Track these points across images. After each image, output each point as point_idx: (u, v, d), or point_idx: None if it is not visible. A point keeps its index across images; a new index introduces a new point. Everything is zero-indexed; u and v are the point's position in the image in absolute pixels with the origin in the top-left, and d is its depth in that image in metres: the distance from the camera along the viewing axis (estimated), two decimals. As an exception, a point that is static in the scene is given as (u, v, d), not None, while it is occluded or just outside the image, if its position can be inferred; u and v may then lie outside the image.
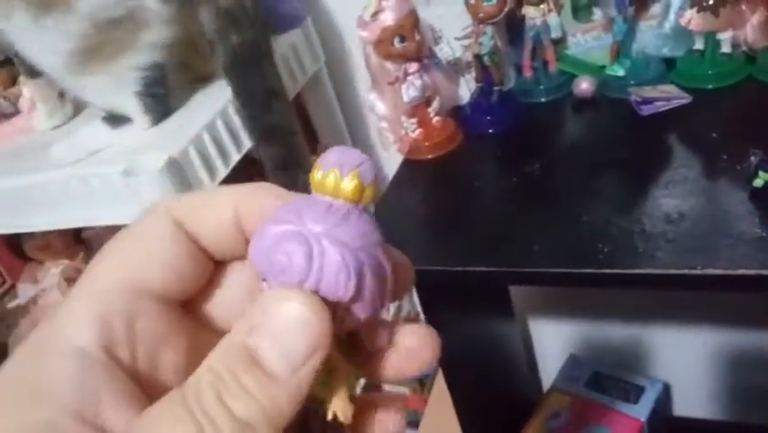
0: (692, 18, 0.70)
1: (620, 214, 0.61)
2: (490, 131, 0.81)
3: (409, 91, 0.77)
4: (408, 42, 0.74)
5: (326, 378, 0.20)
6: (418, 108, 0.80)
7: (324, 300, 0.19)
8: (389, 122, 0.81)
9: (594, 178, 0.68)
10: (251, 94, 0.70)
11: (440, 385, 1.01)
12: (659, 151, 0.69)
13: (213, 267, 0.24)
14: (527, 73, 0.83)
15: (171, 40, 0.71)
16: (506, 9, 0.75)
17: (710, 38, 0.72)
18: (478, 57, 0.79)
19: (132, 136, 0.74)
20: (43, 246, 1.06)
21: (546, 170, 0.71)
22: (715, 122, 0.69)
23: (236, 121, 0.74)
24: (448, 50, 0.81)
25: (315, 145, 1.00)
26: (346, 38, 0.98)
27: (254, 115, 0.70)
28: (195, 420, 0.18)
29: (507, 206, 0.70)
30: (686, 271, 0.53)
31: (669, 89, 0.74)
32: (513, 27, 0.82)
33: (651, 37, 0.76)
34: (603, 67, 0.80)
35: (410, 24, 0.74)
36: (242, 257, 0.24)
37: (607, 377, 1.13)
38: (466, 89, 0.86)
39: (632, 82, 0.77)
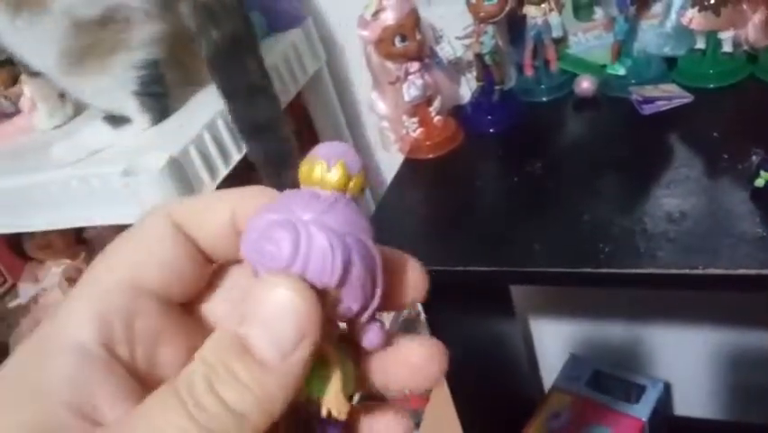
0: (694, 17, 0.70)
1: (621, 213, 0.61)
2: (491, 130, 0.81)
3: (410, 90, 0.77)
4: (409, 42, 0.74)
5: (322, 372, 0.20)
6: (419, 108, 0.79)
7: (313, 287, 0.19)
8: (390, 121, 0.81)
9: (595, 177, 0.68)
10: (234, 89, 0.69)
11: (440, 385, 1.01)
12: (660, 150, 0.68)
13: (212, 269, 0.24)
14: (528, 72, 0.83)
15: (161, 35, 0.71)
16: (507, 8, 0.75)
17: (712, 37, 0.72)
18: (479, 56, 0.79)
19: (133, 136, 0.74)
20: (44, 246, 1.06)
21: (547, 169, 0.71)
22: (716, 121, 0.69)
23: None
24: (449, 49, 0.81)
25: (315, 143, 1.00)
26: (347, 37, 0.98)
27: (238, 110, 0.69)
28: (187, 410, 0.18)
29: (508, 205, 0.70)
30: (687, 271, 0.53)
31: (670, 89, 0.74)
32: (514, 26, 0.82)
33: (652, 36, 0.76)
34: (604, 66, 0.80)
35: (411, 24, 0.74)
36: (240, 259, 0.24)
37: (607, 377, 1.12)
38: (467, 89, 0.86)
39: (633, 81, 0.77)
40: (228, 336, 0.19)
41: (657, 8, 0.76)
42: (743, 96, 0.72)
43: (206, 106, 0.74)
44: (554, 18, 0.78)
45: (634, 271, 0.55)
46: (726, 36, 0.71)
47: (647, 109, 0.73)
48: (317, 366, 0.20)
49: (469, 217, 0.69)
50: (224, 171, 0.73)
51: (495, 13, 0.74)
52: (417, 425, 1.12)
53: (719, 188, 0.61)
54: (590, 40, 0.81)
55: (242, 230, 0.23)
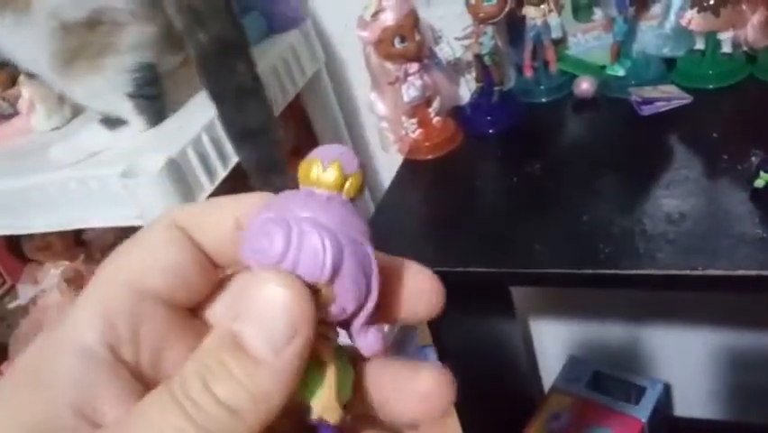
0: (693, 18, 0.70)
1: (621, 214, 0.61)
2: (491, 131, 0.81)
3: (409, 91, 0.77)
4: (409, 43, 0.74)
5: (317, 376, 0.20)
6: (418, 108, 0.79)
7: (305, 284, 0.19)
8: (390, 122, 0.81)
9: (595, 178, 0.68)
10: (222, 92, 0.68)
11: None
12: (659, 151, 0.68)
13: (219, 274, 0.24)
14: (528, 73, 0.83)
15: (151, 38, 0.71)
16: (506, 9, 0.75)
17: (711, 38, 0.72)
18: (478, 57, 0.79)
19: (131, 138, 0.74)
20: (43, 247, 1.06)
21: (547, 170, 0.71)
22: (715, 122, 0.69)
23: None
24: (448, 50, 0.81)
25: (314, 145, 1.00)
26: (346, 38, 0.98)
27: (226, 114, 0.69)
28: (183, 410, 0.18)
29: (507, 206, 0.70)
30: (687, 272, 0.53)
31: (669, 89, 0.74)
32: (513, 27, 0.82)
33: (651, 37, 0.76)
34: (603, 67, 0.80)
35: (410, 24, 0.74)
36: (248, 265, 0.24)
37: (607, 377, 1.12)
38: (466, 89, 0.86)
39: (632, 82, 0.77)
40: (222, 333, 0.19)
41: (656, 9, 0.76)
42: (742, 96, 0.72)
43: (205, 108, 0.74)
44: (554, 19, 0.78)
45: (633, 271, 0.55)
46: (726, 37, 0.71)
47: (646, 110, 0.73)
48: (313, 369, 0.20)
49: (468, 218, 0.69)
50: (222, 173, 0.72)
51: (494, 14, 0.74)
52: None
53: (719, 189, 0.61)
54: (590, 41, 0.81)
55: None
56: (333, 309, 0.20)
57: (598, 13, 0.79)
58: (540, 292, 1.17)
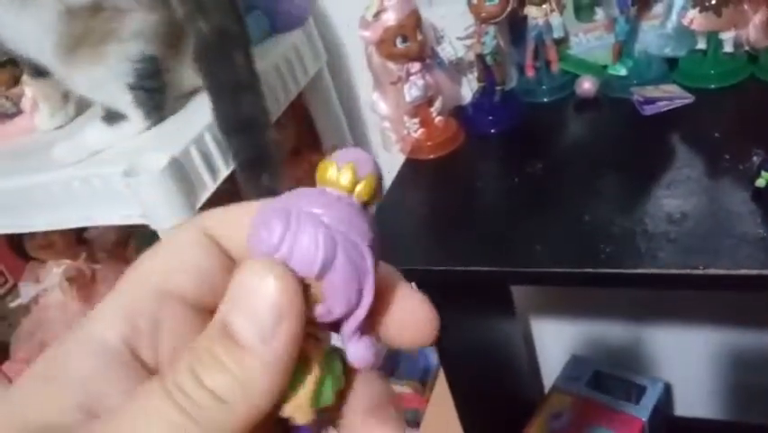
0: (695, 18, 0.70)
1: (622, 214, 0.61)
2: (492, 131, 0.81)
3: (411, 91, 0.77)
4: (410, 42, 0.74)
5: (300, 375, 0.20)
6: (420, 108, 0.80)
7: (297, 277, 0.19)
8: (392, 122, 0.81)
9: (596, 177, 0.68)
10: (219, 84, 0.68)
11: (441, 385, 1.01)
12: (661, 150, 0.68)
13: None
14: (530, 73, 0.83)
15: (154, 27, 0.70)
16: (508, 9, 0.75)
17: (713, 38, 0.72)
18: (480, 57, 0.79)
19: (133, 135, 0.74)
20: (45, 246, 1.06)
21: (548, 169, 0.71)
22: (717, 122, 0.69)
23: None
24: (450, 49, 0.81)
25: (317, 144, 1.00)
26: (348, 38, 0.98)
27: (221, 106, 0.68)
28: (171, 398, 0.18)
29: (508, 205, 0.70)
30: (688, 271, 0.53)
31: (671, 89, 0.74)
32: (515, 27, 0.82)
33: (653, 37, 0.76)
34: (605, 67, 0.80)
35: (412, 24, 0.74)
36: None
37: (608, 377, 1.13)
38: (468, 89, 0.86)
39: (634, 82, 0.77)
40: (215, 323, 0.19)
41: (658, 9, 0.76)
42: (744, 96, 0.72)
43: (207, 107, 0.74)
44: (555, 19, 0.78)
45: (634, 271, 0.55)
46: (727, 37, 0.71)
47: (648, 110, 0.73)
48: (299, 368, 0.20)
49: (470, 218, 0.69)
50: (224, 172, 0.73)
51: (496, 14, 0.74)
52: (417, 425, 1.12)
53: (720, 189, 0.61)
54: (591, 40, 0.81)
55: None
56: (321, 309, 0.20)
57: (599, 13, 0.79)
58: (541, 292, 1.17)
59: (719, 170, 0.63)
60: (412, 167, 0.81)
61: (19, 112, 0.93)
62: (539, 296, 1.18)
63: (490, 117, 0.81)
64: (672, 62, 0.78)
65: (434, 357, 1.17)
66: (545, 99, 0.82)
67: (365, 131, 1.06)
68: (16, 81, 0.95)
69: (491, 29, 0.76)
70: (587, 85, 0.78)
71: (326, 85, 0.96)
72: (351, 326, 0.20)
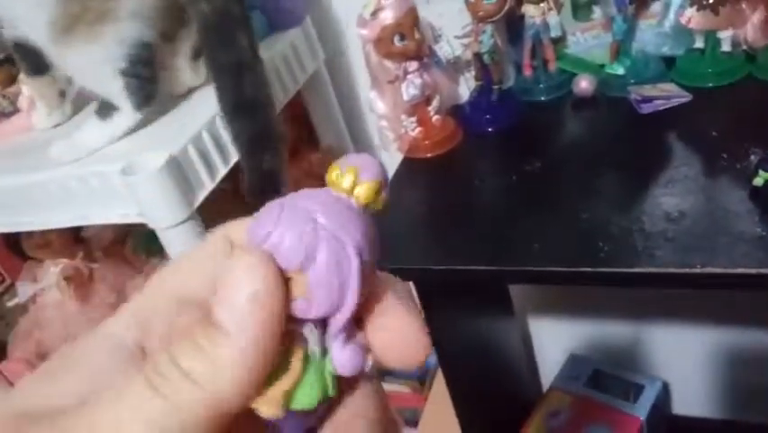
0: (692, 17, 0.70)
1: (620, 212, 0.61)
2: (490, 129, 0.81)
3: (409, 90, 0.77)
4: (408, 41, 0.74)
5: (280, 371, 0.20)
6: (418, 107, 0.80)
7: (279, 268, 0.19)
8: (389, 120, 0.81)
9: (594, 176, 0.68)
10: (222, 65, 0.68)
11: (439, 384, 1.01)
12: (659, 149, 0.69)
13: None
14: (527, 72, 0.83)
15: (151, 8, 0.70)
16: (506, 8, 0.75)
17: (710, 36, 0.72)
18: (477, 55, 0.79)
19: (127, 130, 0.73)
20: (42, 245, 1.06)
21: (546, 168, 0.71)
22: (715, 120, 0.69)
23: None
24: (448, 48, 0.81)
25: (315, 143, 1.00)
26: (346, 36, 0.98)
27: (224, 87, 0.68)
28: (149, 381, 0.19)
29: (506, 204, 0.70)
30: (685, 270, 0.53)
31: (669, 88, 0.74)
32: (513, 26, 0.82)
33: (651, 36, 0.76)
34: (603, 65, 0.80)
35: (410, 23, 0.74)
36: None
37: (606, 376, 1.13)
38: (466, 88, 0.86)
39: (632, 81, 0.77)
40: (202, 309, 0.20)
41: (656, 8, 0.76)
42: (741, 95, 0.72)
43: (206, 106, 0.74)
44: (553, 18, 0.78)
45: (632, 270, 0.55)
46: (725, 35, 0.71)
47: (646, 108, 0.73)
48: (281, 366, 0.20)
49: (467, 217, 0.69)
50: (223, 171, 0.72)
51: (494, 13, 0.74)
52: (416, 424, 1.12)
53: (718, 188, 0.61)
54: (589, 39, 0.81)
55: None
56: (301, 303, 0.20)
57: (597, 12, 0.79)
58: (539, 291, 1.17)
59: (717, 168, 0.63)
60: (409, 166, 0.81)
61: (16, 111, 0.93)
62: (537, 295, 1.18)
63: (488, 116, 0.81)
64: (669, 61, 0.78)
65: (432, 356, 1.17)
66: (543, 98, 0.82)
67: (363, 129, 1.06)
68: (13, 80, 0.95)
69: (489, 28, 0.76)
70: (584, 84, 0.78)
71: (324, 83, 0.96)
72: (334, 328, 0.20)
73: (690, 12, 0.70)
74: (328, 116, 0.98)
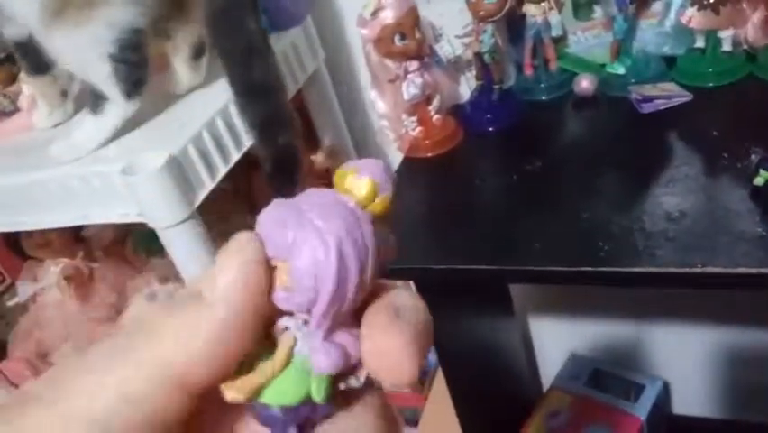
0: (693, 16, 0.70)
1: (620, 212, 0.61)
2: (491, 129, 0.81)
3: (409, 89, 0.77)
4: (409, 40, 0.74)
5: (261, 361, 0.20)
6: (418, 106, 0.79)
7: (266, 253, 0.20)
8: (390, 120, 0.81)
9: (594, 176, 0.68)
10: (231, 48, 0.68)
11: (439, 383, 1.01)
12: (659, 149, 0.68)
13: None
14: (528, 71, 0.83)
15: None
16: (506, 7, 0.75)
17: (711, 36, 0.72)
18: (478, 55, 0.79)
19: (130, 133, 0.73)
20: (43, 244, 1.06)
21: (547, 168, 0.71)
22: (715, 120, 0.69)
23: (236, 119, 0.74)
24: (448, 48, 0.81)
25: (315, 143, 1.00)
26: (346, 36, 0.98)
27: (234, 70, 0.68)
28: (113, 338, 0.20)
29: (507, 204, 0.70)
30: (686, 270, 0.53)
31: (669, 87, 0.74)
32: (513, 25, 0.82)
33: (651, 35, 0.76)
34: (604, 65, 0.80)
35: (410, 22, 0.74)
36: None
37: (606, 375, 1.13)
38: (466, 87, 0.86)
39: (632, 80, 0.77)
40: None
41: (656, 7, 0.76)
42: (742, 94, 0.72)
43: (206, 105, 0.74)
44: (554, 17, 0.78)
45: (633, 269, 0.55)
46: (726, 35, 0.71)
47: (646, 108, 0.73)
48: (263, 357, 0.20)
49: (468, 216, 0.69)
50: (223, 170, 0.72)
51: (495, 12, 0.74)
52: (416, 423, 1.12)
53: (718, 187, 0.61)
54: (590, 39, 0.81)
55: None
56: (282, 292, 0.20)
57: (598, 12, 0.79)
58: (539, 290, 1.17)
59: (717, 168, 0.63)
60: (410, 165, 0.81)
61: (16, 110, 0.93)
62: (537, 294, 1.18)
63: (488, 116, 0.81)
64: (670, 61, 0.78)
65: (432, 355, 1.17)
66: (544, 98, 0.82)
67: (363, 129, 1.05)
68: (14, 79, 0.95)
69: (489, 27, 0.76)
70: (585, 83, 0.78)
71: (325, 83, 0.96)
72: (312, 322, 0.20)
73: (691, 11, 0.70)
74: (328, 116, 0.98)
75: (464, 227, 0.68)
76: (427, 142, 0.80)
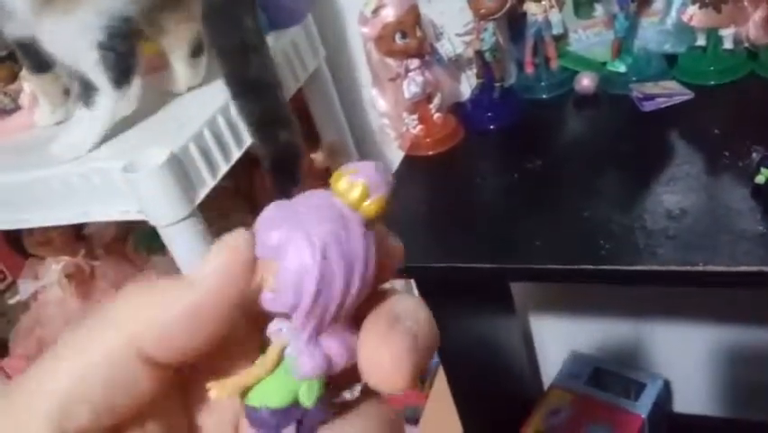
0: (694, 14, 0.70)
1: (621, 210, 0.61)
2: (491, 127, 0.81)
3: (410, 87, 0.77)
4: (410, 39, 0.74)
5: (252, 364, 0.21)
6: (419, 105, 0.79)
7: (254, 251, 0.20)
8: (390, 118, 0.81)
9: (595, 174, 0.68)
10: (227, 45, 0.68)
11: (440, 381, 1.01)
12: (660, 147, 0.68)
13: None
14: (529, 69, 0.83)
15: None
16: (507, 5, 0.75)
17: (712, 34, 0.72)
18: (479, 53, 0.79)
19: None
20: (44, 242, 1.06)
21: (548, 166, 0.71)
22: (717, 118, 0.69)
23: (237, 117, 0.74)
24: (449, 46, 0.81)
25: (316, 141, 1.00)
26: (347, 34, 0.98)
27: (231, 68, 0.68)
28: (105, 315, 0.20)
29: (508, 202, 0.70)
30: (687, 268, 0.53)
31: (670, 86, 0.74)
32: (514, 23, 0.82)
33: (652, 33, 0.76)
34: (605, 63, 0.80)
35: (411, 20, 0.74)
36: None
37: (607, 374, 1.13)
38: (467, 86, 0.86)
39: (633, 78, 0.77)
40: None
41: (658, 5, 0.76)
42: (743, 93, 0.72)
43: (207, 103, 0.74)
44: (555, 15, 0.78)
45: (634, 268, 0.55)
46: (727, 33, 0.71)
47: (648, 106, 0.73)
48: (255, 360, 0.21)
49: (469, 214, 0.69)
50: (224, 168, 0.72)
51: (495, 10, 0.74)
52: (417, 421, 1.12)
53: (720, 186, 0.61)
54: (591, 37, 0.81)
55: None
56: (269, 294, 0.20)
57: (599, 10, 0.79)
58: (540, 288, 1.17)
59: (719, 166, 0.63)
60: (411, 163, 0.81)
61: (17, 108, 0.93)
62: (538, 293, 1.18)
63: (489, 114, 0.81)
64: (671, 59, 0.78)
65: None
66: (544, 96, 0.82)
67: (364, 127, 1.05)
68: (15, 77, 0.95)
69: (490, 25, 0.76)
70: (586, 81, 0.78)
71: (326, 81, 0.95)
72: (295, 324, 0.20)
73: (692, 9, 0.70)
74: (329, 114, 0.98)
75: (465, 226, 0.68)
76: (428, 140, 0.80)
